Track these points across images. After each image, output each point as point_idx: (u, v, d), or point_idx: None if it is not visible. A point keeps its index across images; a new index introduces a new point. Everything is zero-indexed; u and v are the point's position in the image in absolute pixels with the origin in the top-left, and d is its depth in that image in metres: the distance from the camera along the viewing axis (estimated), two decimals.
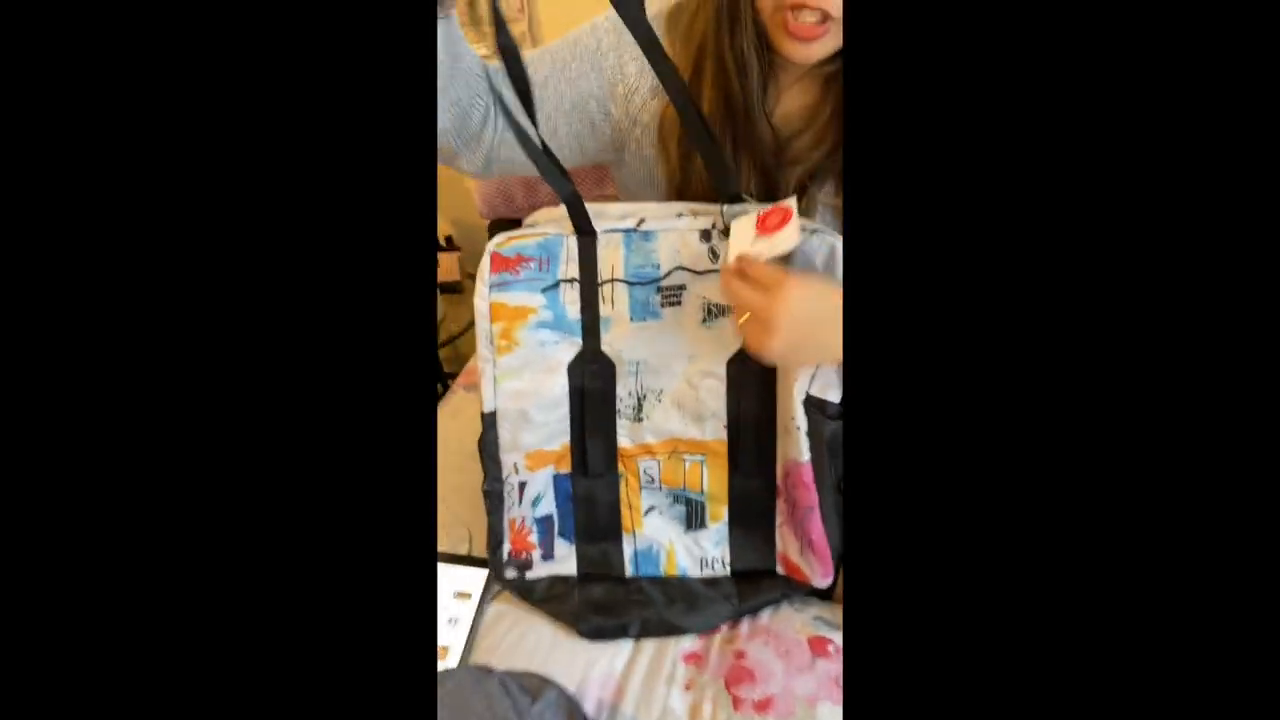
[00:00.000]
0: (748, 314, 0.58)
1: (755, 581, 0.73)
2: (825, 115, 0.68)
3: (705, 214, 0.66)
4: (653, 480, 0.73)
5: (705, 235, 0.66)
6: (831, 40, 0.61)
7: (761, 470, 0.71)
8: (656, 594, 0.73)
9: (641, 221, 0.67)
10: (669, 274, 0.67)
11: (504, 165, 0.72)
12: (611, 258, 0.67)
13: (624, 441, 0.73)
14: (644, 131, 0.72)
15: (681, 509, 0.74)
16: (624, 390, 0.71)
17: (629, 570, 0.74)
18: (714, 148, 0.63)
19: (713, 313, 0.68)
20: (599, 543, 0.74)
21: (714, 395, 0.70)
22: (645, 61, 0.62)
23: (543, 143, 0.63)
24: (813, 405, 0.66)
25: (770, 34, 0.63)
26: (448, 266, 1.72)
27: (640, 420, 0.72)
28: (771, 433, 0.69)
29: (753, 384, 0.68)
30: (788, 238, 0.59)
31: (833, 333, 0.57)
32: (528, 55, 0.70)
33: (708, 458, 0.72)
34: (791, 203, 0.61)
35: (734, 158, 0.68)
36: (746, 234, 0.61)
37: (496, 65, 0.67)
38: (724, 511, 0.73)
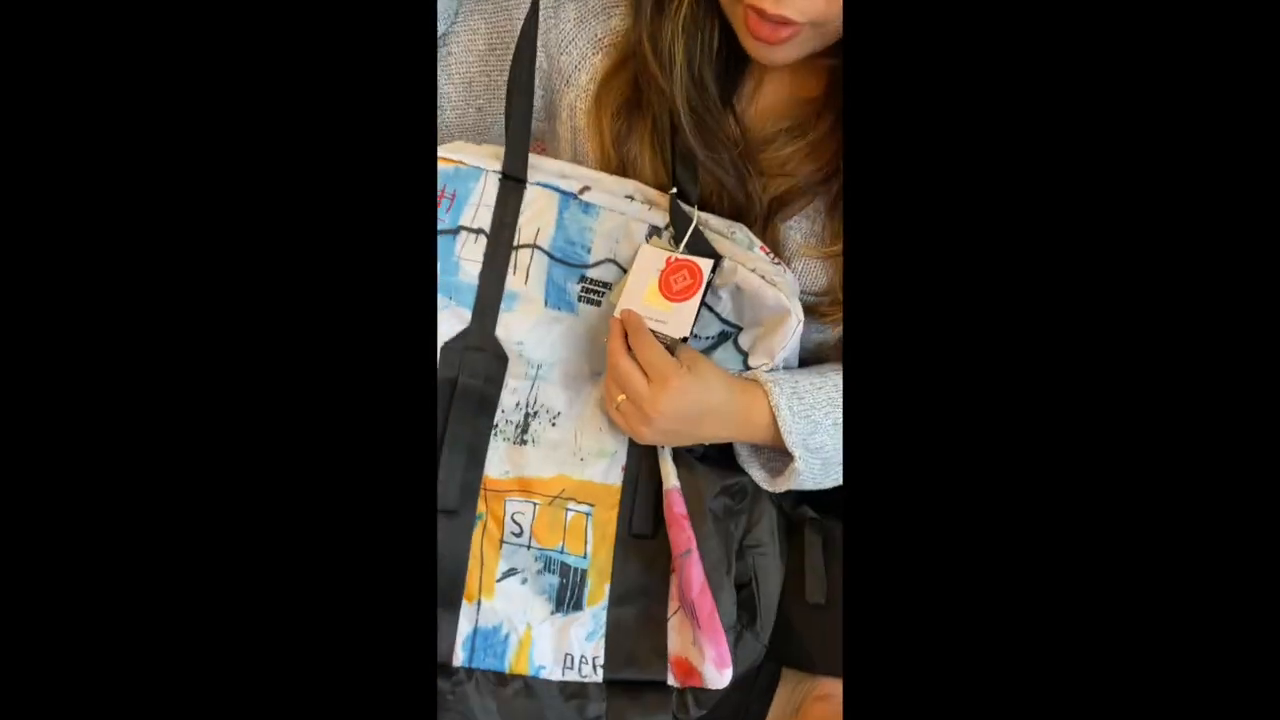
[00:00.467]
0: (623, 396, 0.51)
1: (636, 697, 0.53)
2: (821, 120, 0.54)
3: (659, 207, 0.54)
4: (520, 532, 0.54)
5: (654, 232, 0.54)
6: (800, 44, 0.49)
7: (654, 522, 0.54)
8: (487, 700, 0.52)
9: (586, 189, 0.54)
10: (599, 263, 0.54)
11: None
12: (539, 219, 0.54)
13: (493, 470, 0.54)
14: (578, 95, 0.58)
15: (553, 580, 0.54)
16: (511, 399, 0.54)
17: (459, 657, 0.52)
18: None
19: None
20: (440, 603, 0.53)
21: (606, 432, 0.55)
22: (588, 8, 0.54)
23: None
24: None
25: (733, 25, 0.51)
26: None
27: (523, 444, 0.54)
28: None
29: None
30: (682, 321, 0.51)
31: (717, 426, 0.52)
32: None
33: (595, 510, 0.54)
34: (706, 266, 0.51)
35: (654, 165, 0.56)
36: (647, 278, 0.52)
37: None
38: (606, 591, 0.54)
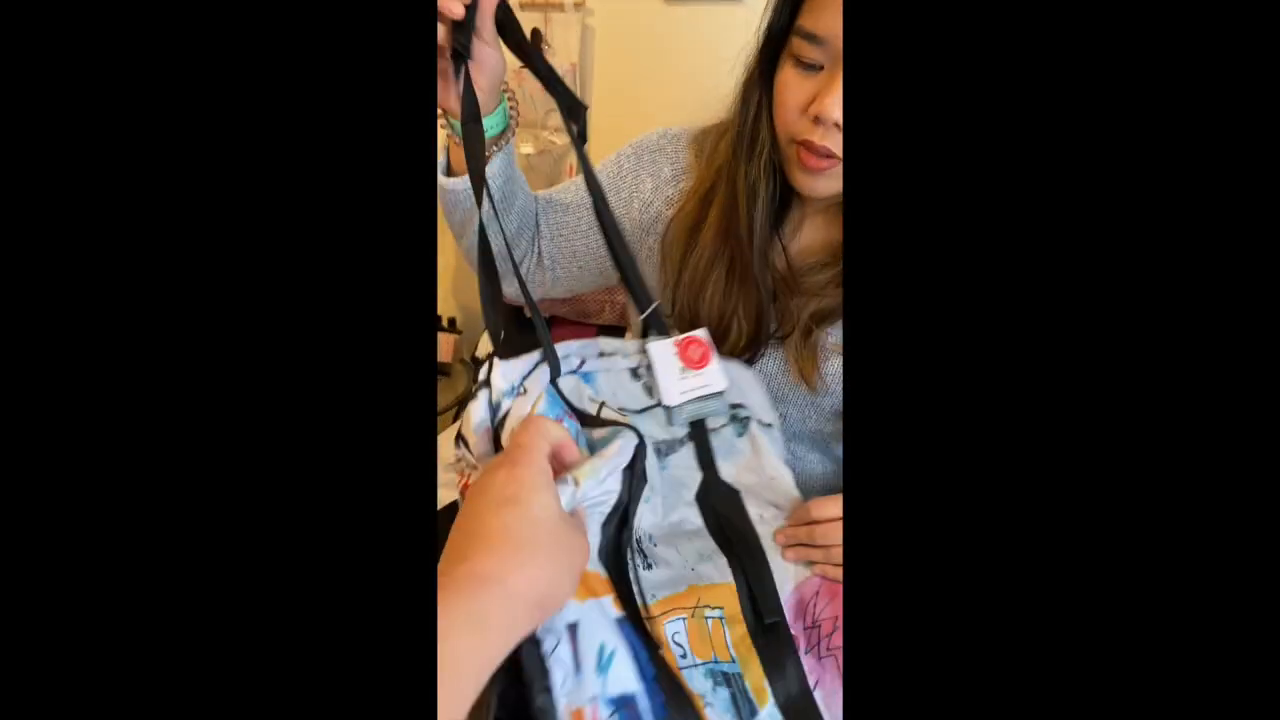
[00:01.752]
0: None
1: None
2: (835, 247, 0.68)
3: (636, 352, 0.62)
4: (684, 654, 0.54)
5: (634, 374, 0.62)
6: (838, 176, 0.61)
7: (776, 606, 0.55)
8: None
9: (583, 361, 0.62)
10: (601, 408, 0.61)
11: (539, 289, 0.78)
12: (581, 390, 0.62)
13: (648, 598, 0.55)
14: (656, 240, 0.74)
15: (725, 693, 0.53)
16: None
17: None
18: (630, 262, 0.62)
19: (662, 451, 0.61)
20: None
21: (697, 537, 0.58)
22: (661, 179, 0.71)
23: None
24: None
25: (784, 166, 0.64)
26: (444, 348, 1.74)
27: (651, 567, 0.57)
28: (763, 553, 0.58)
29: (729, 516, 0.59)
30: (716, 376, 0.59)
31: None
32: (557, 187, 0.77)
33: (725, 610, 0.55)
34: (703, 334, 0.61)
35: (727, 283, 0.68)
36: (671, 364, 0.60)
37: (544, 194, 0.75)
38: (766, 687, 0.53)
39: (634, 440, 0.54)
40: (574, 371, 0.61)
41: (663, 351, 0.60)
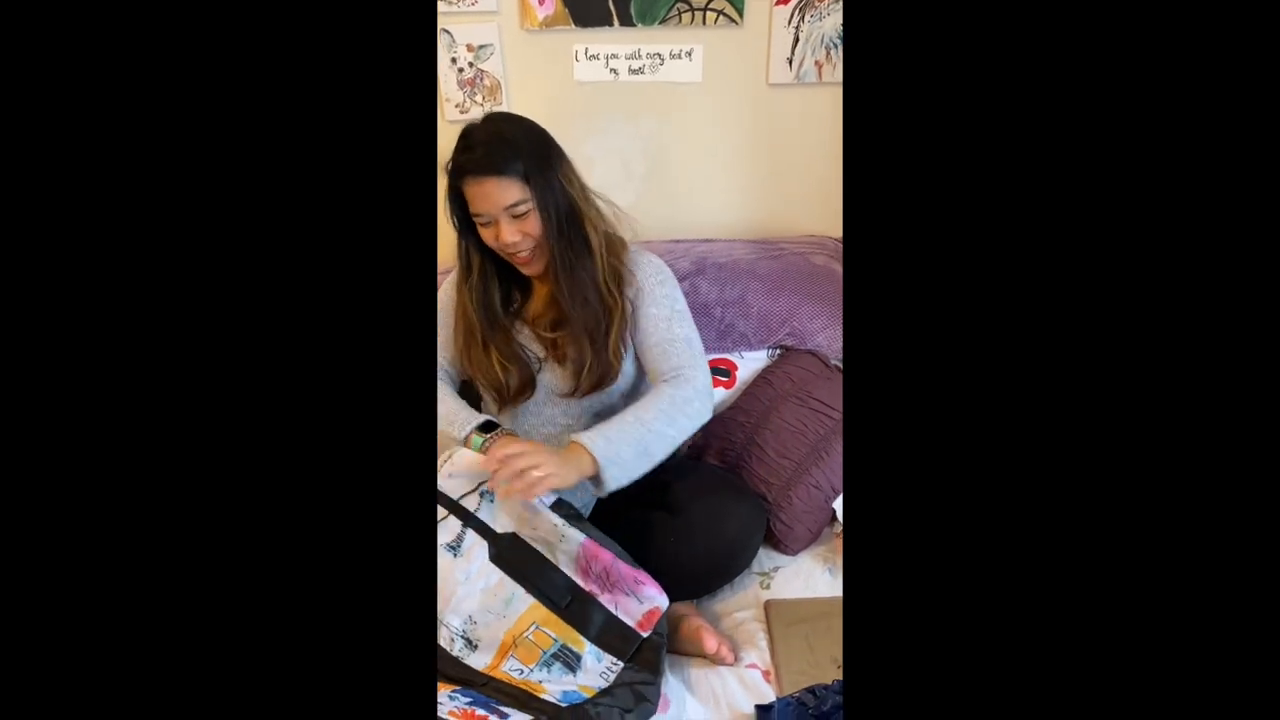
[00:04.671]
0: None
1: (642, 651, 0.93)
2: (559, 310, 1.09)
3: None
4: (521, 670, 0.91)
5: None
6: (538, 257, 1.06)
7: (571, 588, 0.95)
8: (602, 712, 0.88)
9: None
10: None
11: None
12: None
13: (481, 665, 0.92)
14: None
15: (558, 664, 0.92)
16: (445, 641, 0.94)
17: (564, 703, 0.89)
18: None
19: (453, 547, 0.97)
20: (532, 703, 0.89)
21: (502, 586, 0.95)
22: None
23: None
24: (559, 509, 0.97)
25: (511, 263, 1.08)
26: None
27: (477, 647, 0.93)
28: (547, 563, 0.95)
29: (515, 554, 0.96)
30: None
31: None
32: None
33: (537, 621, 0.93)
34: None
35: (485, 353, 1.11)
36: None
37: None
38: (578, 636, 0.92)
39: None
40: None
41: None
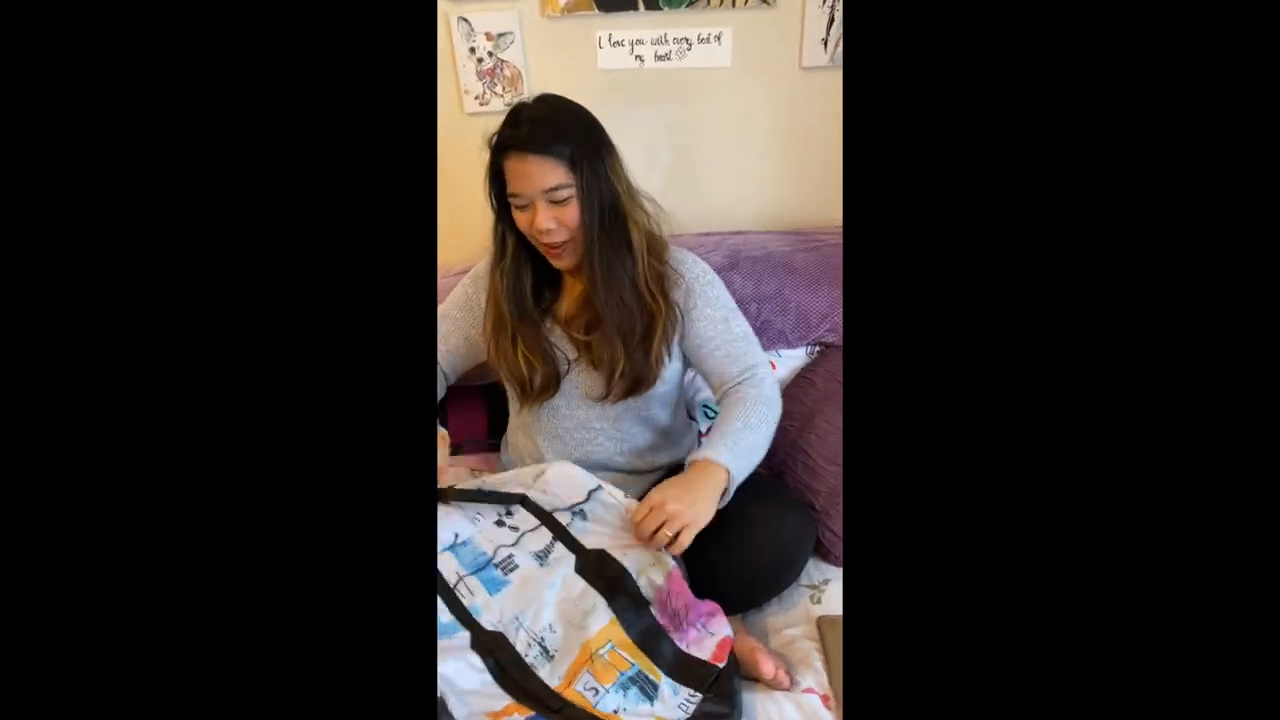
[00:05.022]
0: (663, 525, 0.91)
1: (718, 683, 0.87)
2: (593, 308, 1.03)
3: (494, 507, 1.00)
4: (596, 690, 0.86)
5: (499, 522, 0.99)
6: (572, 251, 1.00)
7: (648, 612, 0.92)
8: None
9: (456, 536, 0.96)
10: (495, 553, 0.96)
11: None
12: (450, 565, 0.93)
13: (554, 681, 0.86)
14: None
15: (635, 689, 0.87)
16: (522, 646, 0.89)
17: None
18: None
19: (541, 556, 0.96)
20: None
21: (584, 596, 0.92)
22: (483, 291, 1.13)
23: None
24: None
25: (542, 253, 1.03)
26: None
27: (553, 657, 0.88)
28: (628, 582, 0.93)
29: (601, 568, 0.94)
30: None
31: (705, 499, 0.94)
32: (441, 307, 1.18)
33: (614, 641, 0.90)
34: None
35: (512, 345, 1.06)
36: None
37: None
38: (654, 667, 0.88)
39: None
40: (453, 545, 0.96)
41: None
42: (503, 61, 1.35)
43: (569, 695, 0.85)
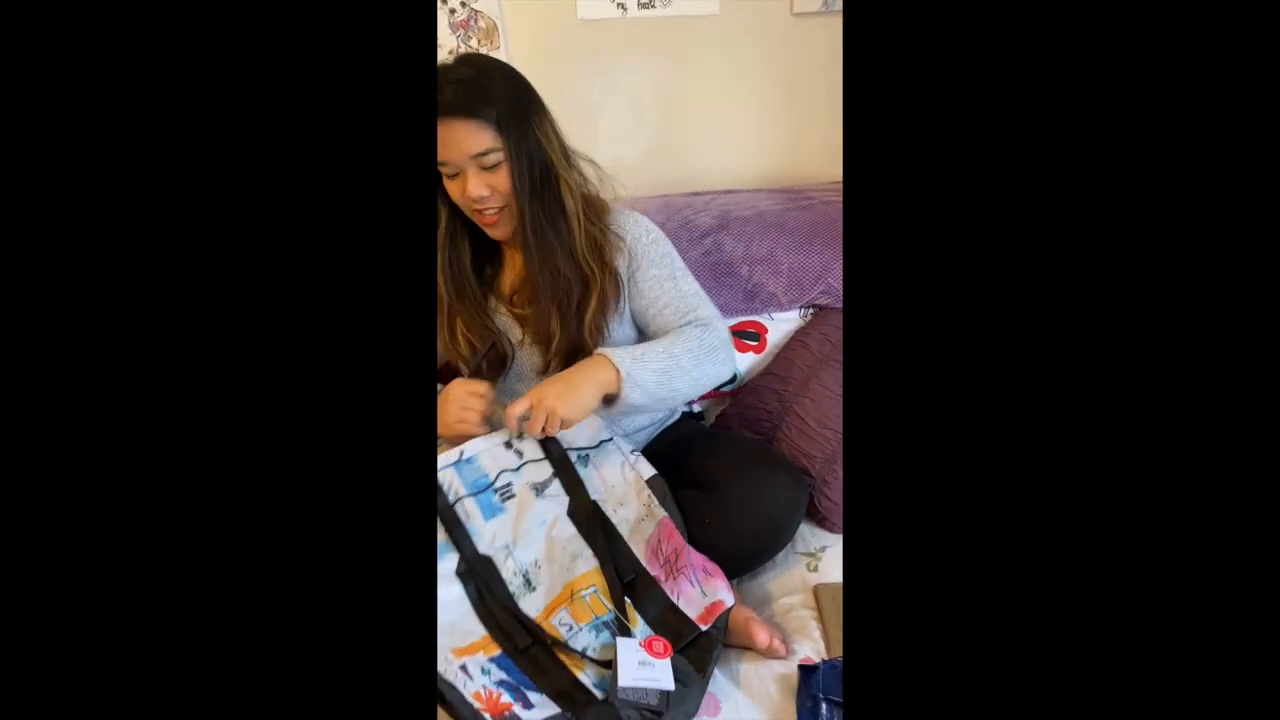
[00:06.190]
0: (526, 406, 0.88)
1: (696, 645, 0.87)
2: (529, 278, 0.98)
3: (502, 430, 0.95)
4: (570, 627, 0.87)
5: (508, 444, 0.95)
6: (508, 219, 0.94)
7: (636, 567, 0.91)
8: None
9: (462, 452, 0.93)
10: (497, 477, 0.93)
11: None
12: (454, 483, 0.92)
13: (533, 613, 0.87)
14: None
15: (607, 634, 0.87)
16: (508, 574, 0.89)
17: (600, 696, 0.82)
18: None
19: (539, 488, 0.94)
20: (562, 688, 0.83)
21: (572, 541, 0.92)
22: None
23: None
24: (655, 486, 0.96)
25: (477, 223, 0.96)
26: None
27: (534, 589, 0.89)
28: (619, 539, 0.93)
29: (594, 518, 0.93)
30: (665, 675, 0.81)
31: (586, 387, 0.89)
32: None
33: (598, 586, 0.90)
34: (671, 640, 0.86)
35: (451, 326, 1.00)
36: (632, 656, 0.82)
37: None
38: (635, 614, 0.89)
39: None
40: (458, 461, 0.93)
41: (627, 646, 0.84)
42: (476, 13, 1.28)
43: (545, 626, 0.86)
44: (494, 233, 0.96)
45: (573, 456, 0.97)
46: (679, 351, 0.92)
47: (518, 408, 0.87)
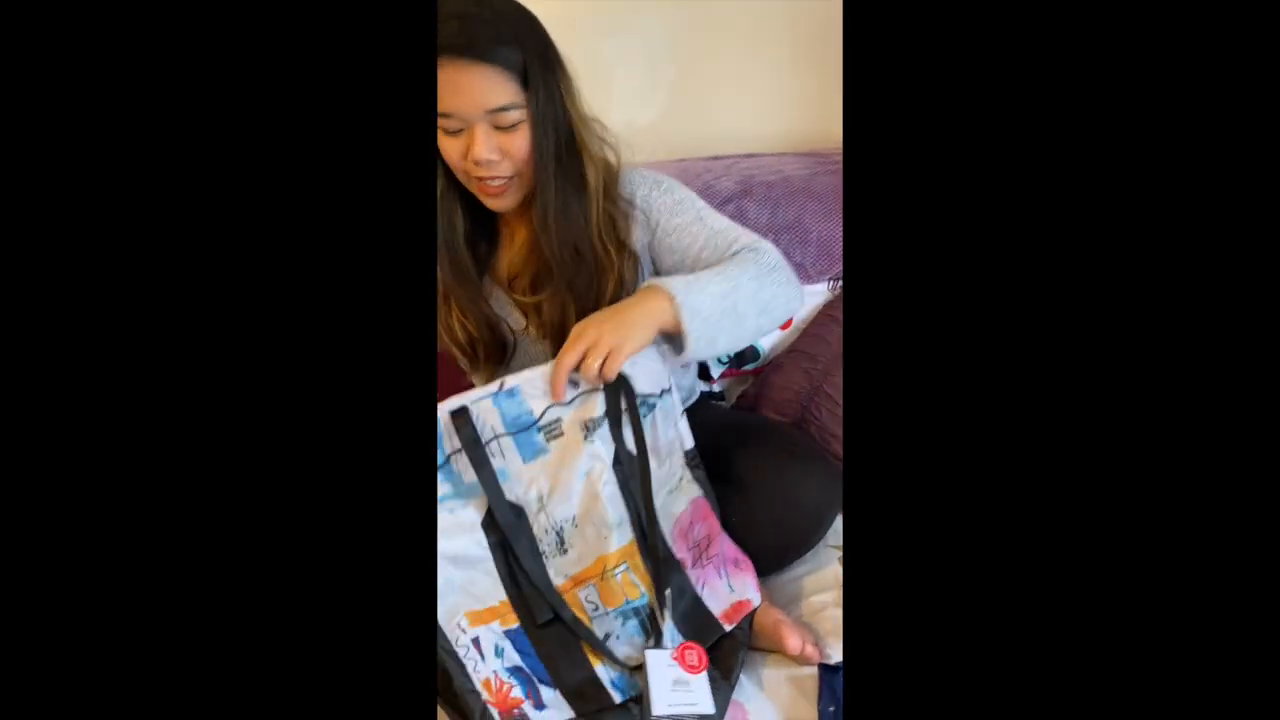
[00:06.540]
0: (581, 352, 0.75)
1: (720, 648, 0.79)
2: (536, 265, 0.86)
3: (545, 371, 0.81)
4: (596, 607, 0.79)
5: (589, 427, 0.79)
6: (514, 191, 0.82)
7: (662, 544, 0.81)
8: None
9: (503, 384, 0.77)
10: (544, 413, 0.77)
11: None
12: (489, 418, 0.76)
13: (558, 579, 0.78)
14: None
15: (635, 622, 0.79)
16: (540, 529, 0.78)
17: (618, 698, 0.75)
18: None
19: (590, 427, 0.79)
20: (579, 683, 0.75)
21: (612, 502, 0.79)
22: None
23: None
24: (690, 458, 0.86)
25: (473, 191, 0.83)
26: None
27: (566, 553, 0.79)
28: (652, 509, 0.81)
29: (638, 474, 0.80)
30: (704, 693, 0.74)
31: (642, 320, 0.77)
32: None
33: (629, 564, 0.80)
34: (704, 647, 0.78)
35: (446, 309, 0.87)
36: (665, 674, 0.74)
37: None
38: (664, 611, 0.79)
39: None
40: (497, 393, 0.77)
41: (658, 660, 0.75)
42: None
43: (569, 599, 0.78)
44: (495, 203, 0.83)
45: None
46: (735, 273, 0.79)
47: (568, 357, 0.74)
